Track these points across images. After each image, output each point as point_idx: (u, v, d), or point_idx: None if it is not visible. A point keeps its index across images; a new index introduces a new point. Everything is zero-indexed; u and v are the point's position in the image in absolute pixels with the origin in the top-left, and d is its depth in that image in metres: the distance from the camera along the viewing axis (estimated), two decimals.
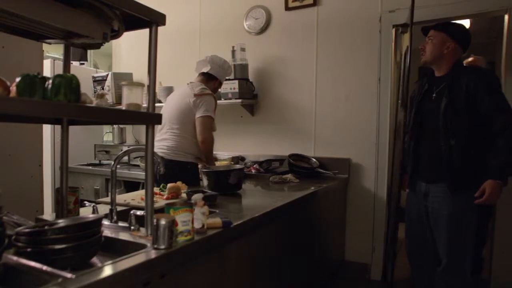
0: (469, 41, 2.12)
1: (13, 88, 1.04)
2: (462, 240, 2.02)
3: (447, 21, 2.31)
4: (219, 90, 3.39)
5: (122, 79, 3.66)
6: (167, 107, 2.73)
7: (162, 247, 1.18)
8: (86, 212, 1.57)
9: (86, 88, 3.66)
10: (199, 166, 2.73)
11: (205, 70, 2.76)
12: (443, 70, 2.10)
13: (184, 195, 1.97)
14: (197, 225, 1.35)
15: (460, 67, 2.09)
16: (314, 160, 3.16)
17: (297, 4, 3.31)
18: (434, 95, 2.10)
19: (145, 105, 1.37)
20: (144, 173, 1.39)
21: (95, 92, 3.93)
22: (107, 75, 3.91)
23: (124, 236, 1.36)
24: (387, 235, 2.95)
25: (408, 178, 2.27)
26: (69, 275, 0.95)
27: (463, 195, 1.98)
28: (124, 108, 1.32)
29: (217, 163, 3.28)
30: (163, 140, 2.62)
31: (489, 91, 1.94)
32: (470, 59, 2.57)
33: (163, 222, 1.18)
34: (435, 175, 2.08)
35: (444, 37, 2.07)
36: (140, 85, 1.38)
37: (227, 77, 3.32)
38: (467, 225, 2.00)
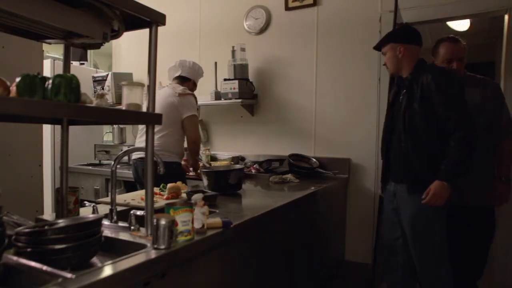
0: (413, 34, 2.13)
1: (13, 88, 1.04)
2: (427, 244, 2.01)
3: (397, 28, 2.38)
4: (219, 90, 3.42)
5: (122, 79, 3.66)
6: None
7: (162, 247, 1.18)
8: (86, 212, 1.57)
9: (86, 88, 3.66)
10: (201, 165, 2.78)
11: (177, 74, 2.88)
12: (407, 72, 2.11)
13: (184, 195, 1.98)
14: (197, 225, 1.35)
15: (422, 66, 2.07)
16: (314, 160, 3.16)
17: (297, 4, 3.31)
18: (401, 96, 2.12)
19: (145, 105, 1.37)
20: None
21: (95, 92, 3.93)
22: (107, 75, 3.91)
23: (124, 236, 1.36)
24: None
25: (382, 178, 2.34)
26: (69, 275, 0.95)
27: (421, 196, 1.95)
28: (124, 108, 1.32)
29: (217, 163, 3.29)
30: None
31: (439, 91, 1.92)
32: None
33: (163, 222, 1.18)
34: (400, 176, 2.10)
35: (392, 45, 2.12)
36: (140, 85, 1.38)
37: (226, 78, 3.36)
38: (428, 228, 1.99)
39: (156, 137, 2.61)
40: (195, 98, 2.83)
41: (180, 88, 2.75)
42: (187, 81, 2.89)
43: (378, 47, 2.23)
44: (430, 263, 2.03)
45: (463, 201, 2.15)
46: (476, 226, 2.21)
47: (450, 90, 1.95)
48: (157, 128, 2.60)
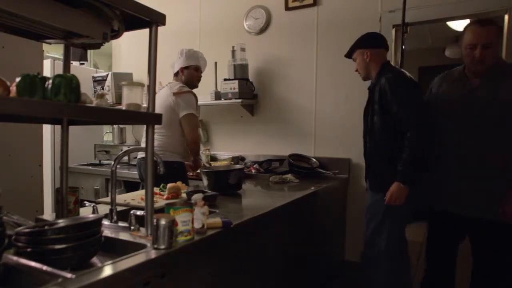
0: (377, 38, 2.26)
1: (13, 88, 1.04)
2: (376, 237, 2.16)
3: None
4: (219, 90, 3.42)
5: (122, 79, 3.66)
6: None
7: (162, 247, 1.18)
8: (86, 212, 1.57)
9: (86, 88, 3.66)
10: (201, 168, 2.75)
11: (173, 72, 2.86)
12: (374, 75, 2.22)
13: (184, 195, 1.98)
14: (197, 225, 1.35)
15: (384, 69, 2.16)
16: (314, 160, 3.16)
17: (297, 4, 3.31)
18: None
19: (145, 105, 1.37)
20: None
21: (95, 92, 3.93)
22: (107, 75, 3.91)
23: (124, 236, 1.36)
24: None
25: (365, 178, 2.43)
26: (69, 275, 0.95)
27: (382, 195, 2.07)
28: (124, 108, 1.32)
29: (217, 163, 3.29)
30: None
31: (392, 91, 2.01)
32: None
33: (163, 222, 1.18)
34: (367, 173, 2.29)
35: (360, 52, 2.25)
36: (140, 85, 1.38)
37: (226, 78, 3.34)
38: (379, 222, 2.13)
39: (157, 137, 2.61)
40: (194, 95, 2.74)
41: (176, 87, 2.67)
42: (178, 73, 2.81)
43: (348, 55, 2.35)
44: (379, 257, 2.15)
45: (479, 213, 1.91)
46: (495, 244, 1.92)
47: (402, 90, 2.02)
48: (158, 128, 2.62)
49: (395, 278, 2.14)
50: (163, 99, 2.68)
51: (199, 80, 2.87)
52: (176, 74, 2.84)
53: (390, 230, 2.11)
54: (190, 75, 2.80)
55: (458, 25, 3.53)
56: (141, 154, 2.79)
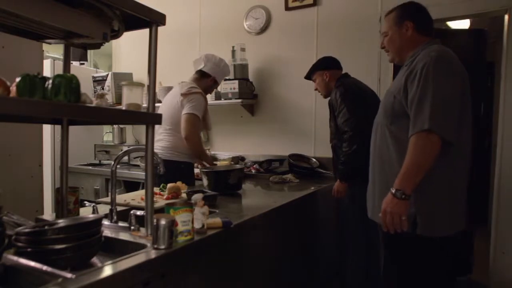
0: (333, 61, 2.58)
1: (13, 88, 1.04)
2: (344, 231, 2.52)
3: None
4: (219, 90, 3.41)
5: (122, 79, 3.66)
6: (163, 107, 2.73)
7: (162, 247, 1.18)
8: (86, 212, 1.58)
9: (86, 88, 3.65)
10: (198, 166, 2.73)
11: (199, 67, 2.72)
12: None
13: (184, 195, 1.98)
14: (197, 225, 1.35)
15: (337, 82, 2.47)
16: (314, 160, 3.16)
17: (297, 4, 3.31)
18: None
19: (145, 105, 1.37)
20: (144, 173, 1.39)
21: (95, 92, 3.93)
22: (107, 75, 3.91)
23: (124, 236, 1.36)
24: None
25: None
26: (69, 275, 0.95)
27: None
28: (124, 108, 1.32)
29: (217, 163, 3.28)
30: (159, 141, 2.60)
31: (339, 104, 2.34)
32: None
33: (163, 222, 1.18)
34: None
35: (319, 73, 2.55)
36: (140, 85, 1.38)
37: (226, 77, 3.33)
38: (345, 216, 2.47)
39: (166, 137, 2.61)
40: (204, 97, 2.66)
41: (186, 88, 2.61)
42: (206, 77, 2.73)
43: (308, 77, 2.63)
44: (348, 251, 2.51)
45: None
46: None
47: (345, 104, 2.32)
48: (167, 128, 2.61)
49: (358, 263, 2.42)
50: (172, 98, 2.66)
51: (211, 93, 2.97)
52: (203, 75, 2.73)
53: (354, 228, 2.40)
54: (212, 88, 2.82)
55: (458, 25, 3.54)
56: None
